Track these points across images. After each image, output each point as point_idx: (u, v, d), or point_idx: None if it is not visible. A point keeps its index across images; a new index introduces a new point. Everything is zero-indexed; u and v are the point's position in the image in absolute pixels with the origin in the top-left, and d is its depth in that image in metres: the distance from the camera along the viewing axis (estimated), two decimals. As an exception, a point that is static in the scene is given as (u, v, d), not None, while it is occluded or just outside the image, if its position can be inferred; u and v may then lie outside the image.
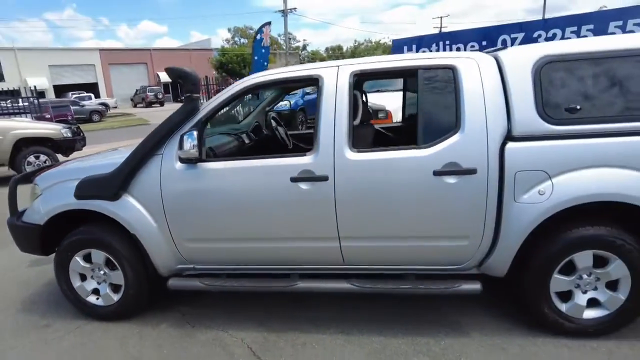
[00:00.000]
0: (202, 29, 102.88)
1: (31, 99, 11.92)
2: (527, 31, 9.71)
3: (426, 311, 2.64)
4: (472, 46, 10.94)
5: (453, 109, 2.21)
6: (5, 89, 13.18)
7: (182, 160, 2.42)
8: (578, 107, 2.12)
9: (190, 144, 2.27)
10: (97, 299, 2.75)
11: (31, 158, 7.45)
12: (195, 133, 2.29)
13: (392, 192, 2.25)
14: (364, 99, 3.25)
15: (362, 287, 2.41)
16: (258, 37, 10.67)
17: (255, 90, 2.53)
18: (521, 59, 2.20)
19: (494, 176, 2.15)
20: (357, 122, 2.58)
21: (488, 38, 10.45)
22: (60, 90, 32.05)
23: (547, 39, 9.48)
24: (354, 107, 2.35)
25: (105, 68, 36.88)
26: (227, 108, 2.65)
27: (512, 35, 9.98)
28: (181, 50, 40.90)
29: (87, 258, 2.69)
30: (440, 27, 36.94)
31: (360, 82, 2.70)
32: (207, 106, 2.47)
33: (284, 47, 61.41)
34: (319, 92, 2.33)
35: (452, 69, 2.23)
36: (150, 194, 2.49)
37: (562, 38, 8.67)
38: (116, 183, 2.47)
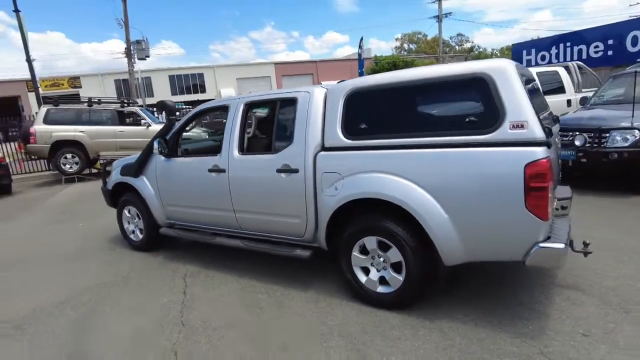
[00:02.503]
0: (380, 35, 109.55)
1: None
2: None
3: (297, 273, 3.70)
4: (596, 46, 9.79)
5: (291, 128, 3.30)
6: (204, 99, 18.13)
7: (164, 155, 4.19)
8: (363, 125, 2.95)
9: (155, 146, 4.02)
10: (134, 237, 4.80)
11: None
12: (159, 140, 4.02)
13: (256, 181, 3.49)
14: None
15: (247, 245, 3.69)
16: (359, 51, 12.08)
17: (199, 116, 4.11)
18: (338, 91, 3.13)
19: (310, 175, 3.16)
20: (250, 134, 3.87)
21: (614, 36, 9.35)
22: (242, 99, 39.96)
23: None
24: (246, 125, 3.69)
25: (278, 79, 43.87)
26: (192, 125, 4.29)
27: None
28: (343, 60, 45.03)
29: (129, 211, 4.76)
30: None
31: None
32: (177, 125, 4.17)
33: (456, 50, 60.06)
34: (227, 116, 3.74)
35: (294, 100, 3.32)
36: (151, 174, 4.37)
37: None
38: (136, 167, 4.43)
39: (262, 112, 4.02)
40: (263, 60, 48.20)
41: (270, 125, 3.68)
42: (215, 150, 3.80)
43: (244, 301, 3.34)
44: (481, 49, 52.89)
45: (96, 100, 10.67)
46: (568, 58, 11.24)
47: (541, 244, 2.37)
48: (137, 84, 27.74)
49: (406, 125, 2.81)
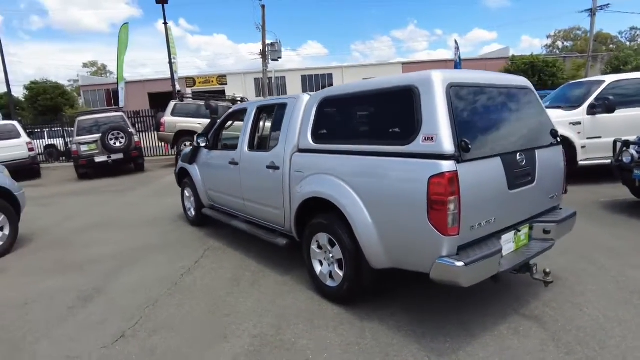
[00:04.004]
0: (534, 32, 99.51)
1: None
2: None
3: (287, 260, 4.13)
4: None
5: (280, 130, 3.74)
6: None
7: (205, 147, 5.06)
8: (324, 131, 3.24)
9: (196, 140, 4.89)
10: (190, 213, 5.84)
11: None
12: (200, 136, 4.88)
13: (255, 174, 4.04)
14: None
15: (249, 229, 4.27)
16: (456, 53, 11.51)
17: (232, 117, 4.82)
18: (315, 99, 3.46)
19: (287, 172, 3.57)
20: (260, 134, 4.39)
21: None
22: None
23: None
24: (257, 126, 4.27)
25: (405, 80, 43.42)
26: (227, 125, 5.02)
27: None
28: (476, 60, 42.31)
29: (187, 192, 5.80)
30: None
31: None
32: (217, 123, 4.98)
33: (624, 47, 50.56)
34: (244, 118, 4.36)
35: (285, 105, 3.75)
36: (199, 162, 5.29)
37: None
38: (190, 156, 5.41)
39: (270, 115, 4.50)
40: (397, 60, 47.99)
41: (271, 126, 4.19)
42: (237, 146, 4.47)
43: (232, 275, 3.93)
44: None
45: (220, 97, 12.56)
46: None
47: (438, 259, 2.38)
48: (271, 83, 30.93)
49: (352, 133, 3.02)
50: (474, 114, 2.63)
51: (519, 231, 2.87)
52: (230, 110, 4.90)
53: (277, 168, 3.67)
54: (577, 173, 6.91)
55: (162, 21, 14.40)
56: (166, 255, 4.60)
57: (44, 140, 17.08)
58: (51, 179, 11.98)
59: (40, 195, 9.11)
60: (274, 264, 4.13)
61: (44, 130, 17.69)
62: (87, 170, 11.18)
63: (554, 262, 3.78)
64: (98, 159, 10.88)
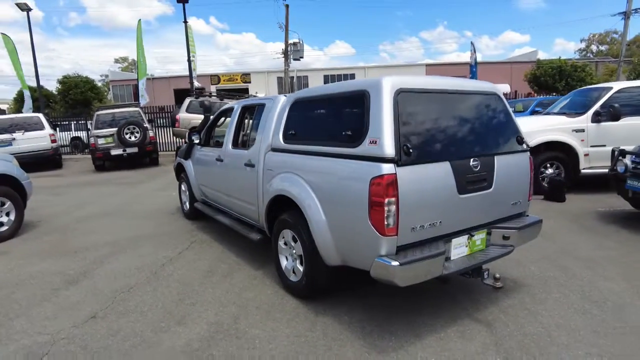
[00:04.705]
0: (569, 35, 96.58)
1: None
2: None
3: (264, 255, 4.27)
4: None
5: (257, 129, 3.89)
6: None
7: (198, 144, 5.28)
8: (292, 131, 3.36)
9: (189, 137, 5.11)
10: (185, 207, 6.07)
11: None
12: (192, 133, 5.09)
13: (235, 170, 4.20)
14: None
15: (230, 224, 4.45)
16: (472, 56, 11.37)
17: (223, 115, 5.00)
18: (289, 99, 3.59)
19: (261, 170, 3.72)
20: (244, 132, 4.55)
21: None
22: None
23: None
24: (241, 124, 4.44)
25: (429, 81, 42.84)
26: (220, 122, 5.22)
27: None
28: (503, 63, 41.33)
29: (183, 186, 6.04)
30: None
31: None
32: (210, 121, 5.18)
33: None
34: (230, 118, 4.54)
35: (264, 105, 3.90)
36: (193, 158, 5.51)
37: None
38: (185, 151, 5.64)
39: (252, 114, 4.65)
40: (423, 62, 47.45)
41: (251, 125, 4.35)
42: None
43: (209, 267, 4.11)
44: None
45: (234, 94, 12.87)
46: None
47: (377, 258, 2.46)
48: (293, 82, 31.27)
49: (316, 134, 3.13)
50: (424, 119, 2.70)
51: (473, 236, 2.91)
52: (221, 109, 5.10)
53: (253, 166, 3.82)
54: (580, 181, 6.77)
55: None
56: (154, 246, 4.83)
57: (70, 133, 17.91)
58: (71, 170, 12.58)
59: (57, 184, 9.62)
60: (251, 258, 4.29)
61: (71, 122, 18.53)
62: (103, 162, 11.69)
63: (526, 269, 3.79)
64: (114, 152, 11.36)
